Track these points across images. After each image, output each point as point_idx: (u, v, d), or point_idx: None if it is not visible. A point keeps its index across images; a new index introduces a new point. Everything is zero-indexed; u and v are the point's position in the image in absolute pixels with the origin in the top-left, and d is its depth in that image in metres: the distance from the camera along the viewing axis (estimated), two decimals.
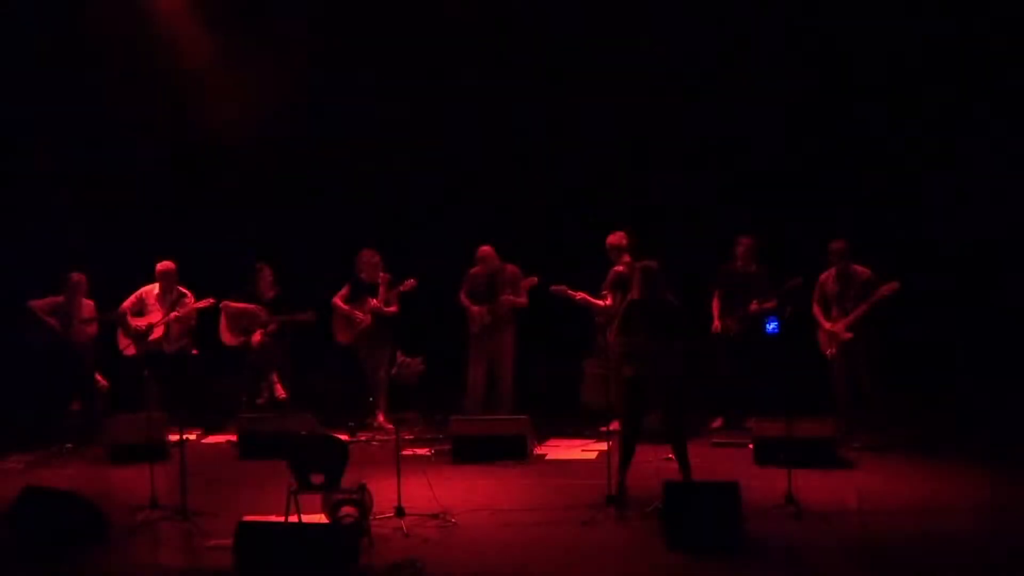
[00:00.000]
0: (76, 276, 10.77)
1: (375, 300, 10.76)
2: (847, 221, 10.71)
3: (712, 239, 10.72)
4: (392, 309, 10.71)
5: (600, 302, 10.09)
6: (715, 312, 10.24)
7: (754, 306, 10.00)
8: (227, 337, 11.04)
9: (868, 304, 9.39)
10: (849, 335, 9.50)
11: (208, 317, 10.90)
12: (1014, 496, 7.85)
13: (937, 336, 10.97)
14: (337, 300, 10.90)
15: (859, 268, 9.59)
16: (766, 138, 11.61)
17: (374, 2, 12.23)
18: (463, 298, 10.71)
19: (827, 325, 9.65)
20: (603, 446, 9.28)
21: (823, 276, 9.76)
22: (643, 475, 8.12)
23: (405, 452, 8.92)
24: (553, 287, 10.19)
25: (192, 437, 10.42)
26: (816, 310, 9.75)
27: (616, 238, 10.32)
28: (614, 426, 10.15)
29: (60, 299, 10.79)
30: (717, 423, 10.18)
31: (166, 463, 8.96)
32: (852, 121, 11.43)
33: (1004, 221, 11.08)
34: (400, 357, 8.39)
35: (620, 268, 9.95)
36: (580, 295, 10.16)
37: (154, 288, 10.82)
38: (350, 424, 10.67)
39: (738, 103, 11.57)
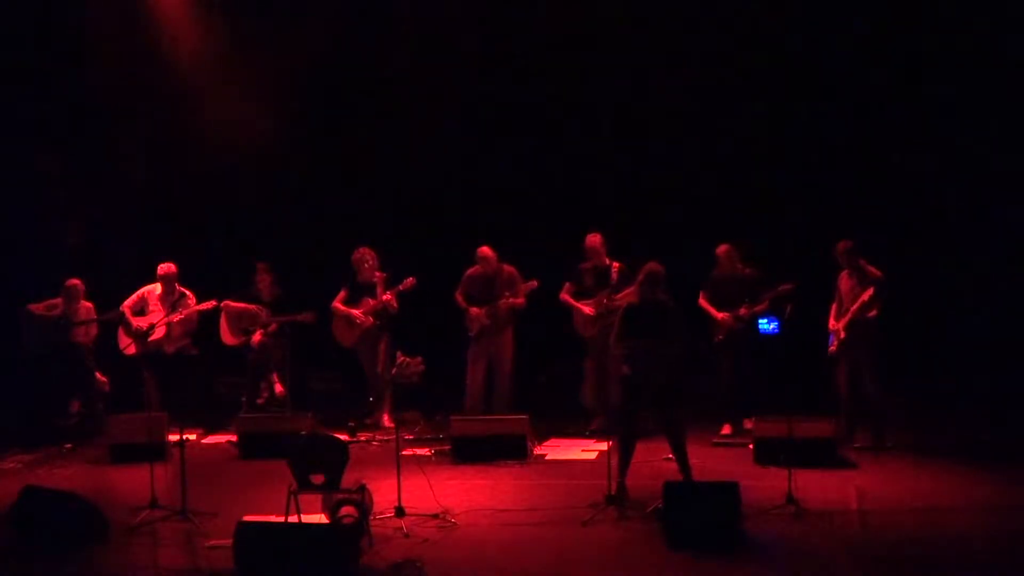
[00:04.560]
0: (73, 281, 10.76)
1: (373, 300, 10.76)
2: (849, 220, 10.72)
3: (709, 242, 10.70)
4: (393, 306, 10.70)
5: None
6: (711, 310, 10.15)
7: (744, 311, 9.93)
8: (227, 337, 11.04)
9: (856, 306, 9.35)
10: (843, 334, 9.46)
11: (209, 317, 10.90)
12: (1014, 496, 7.85)
13: (938, 336, 11.00)
14: (336, 304, 10.90)
15: (870, 268, 9.50)
16: (765, 140, 11.63)
17: (374, 3, 12.26)
18: (459, 299, 10.69)
19: (831, 324, 9.63)
20: (603, 446, 9.28)
21: (840, 275, 9.70)
22: (643, 475, 8.13)
23: (405, 452, 8.93)
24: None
25: (192, 437, 10.42)
26: (833, 308, 9.66)
27: (599, 238, 10.34)
28: (594, 425, 10.21)
29: (58, 301, 10.79)
30: (726, 430, 10.07)
31: (166, 463, 8.96)
32: (852, 120, 11.46)
33: (1004, 221, 11.11)
34: (400, 357, 8.38)
35: (618, 265, 10.02)
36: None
37: (156, 288, 10.82)
38: (350, 424, 10.67)
39: (734, 104, 11.62)
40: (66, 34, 12.10)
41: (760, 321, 9.53)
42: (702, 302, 10.16)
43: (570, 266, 10.53)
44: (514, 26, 11.88)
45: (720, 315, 10.03)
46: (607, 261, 10.27)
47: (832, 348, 9.56)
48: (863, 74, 11.36)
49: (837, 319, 9.56)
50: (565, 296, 10.50)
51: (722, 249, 10.11)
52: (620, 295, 9.82)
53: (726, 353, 10.06)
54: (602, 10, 11.71)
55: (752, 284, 10.00)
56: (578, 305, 10.39)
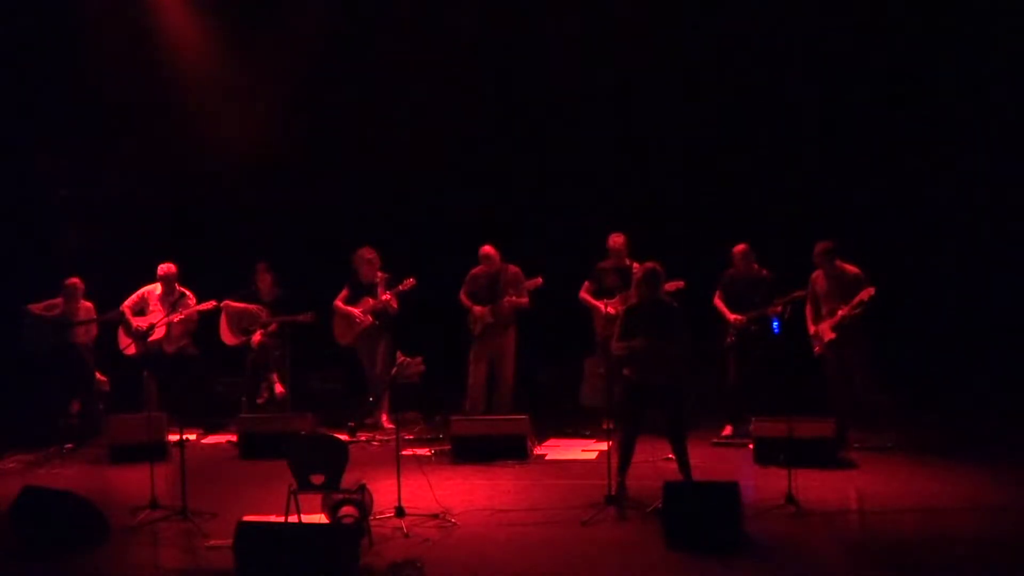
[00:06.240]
0: (72, 280, 10.76)
1: (373, 300, 10.76)
2: (842, 219, 10.73)
3: (713, 243, 10.67)
4: (393, 306, 10.70)
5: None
6: (724, 309, 10.06)
7: (770, 309, 9.76)
8: (227, 337, 11.05)
9: (848, 308, 9.31)
10: (833, 335, 9.43)
11: (209, 317, 10.91)
12: (1014, 496, 7.85)
13: (935, 336, 11.00)
14: (337, 302, 10.91)
15: (848, 267, 9.50)
16: (765, 141, 11.64)
17: (375, 5, 12.26)
18: (464, 298, 10.70)
19: (811, 328, 9.60)
20: (603, 446, 9.28)
21: (814, 275, 9.67)
22: (643, 475, 8.13)
23: (405, 452, 8.91)
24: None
25: (192, 437, 10.43)
26: (808, 310, 9.68)
27: (623, 239, 10.35)
28: (606, 424, 10.18)
29: (58, 301, 10.80)
30: (727, 431, 10.00)
31: (166, 463, 8.98)
32: (852, 121, 11.47)
33: (1001, 220, 11.12)
34: (400, 357, 8.38)
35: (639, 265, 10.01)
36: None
37: (156, 288, 10.84)
38: (350, 424, 10.67)
39: (735, 106, 11.63)
40: (66, 34, 12.09)
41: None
42: (717, 302, 10.12)
43: (576, 266, 10.54)
44: (516, 24, 11.87)
45: (732, 316, 9.97)
46: (628, 262, 10.28)
47: (817, 350, 9.53)
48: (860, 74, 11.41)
49: (815, 322, 9.54)
50: (584, 295, 10.51)
51: (739, 249, 10.02)
52: None
53: (735, 354, 10.00)
54: (606, 8, 11.72)
55: (768, 286, 9.88)
56: (597, 303, 10.39)
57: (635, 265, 10.10)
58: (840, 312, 9.32)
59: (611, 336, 9.74)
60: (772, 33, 11.40)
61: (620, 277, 10.32)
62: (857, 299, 9.24)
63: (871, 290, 9.20)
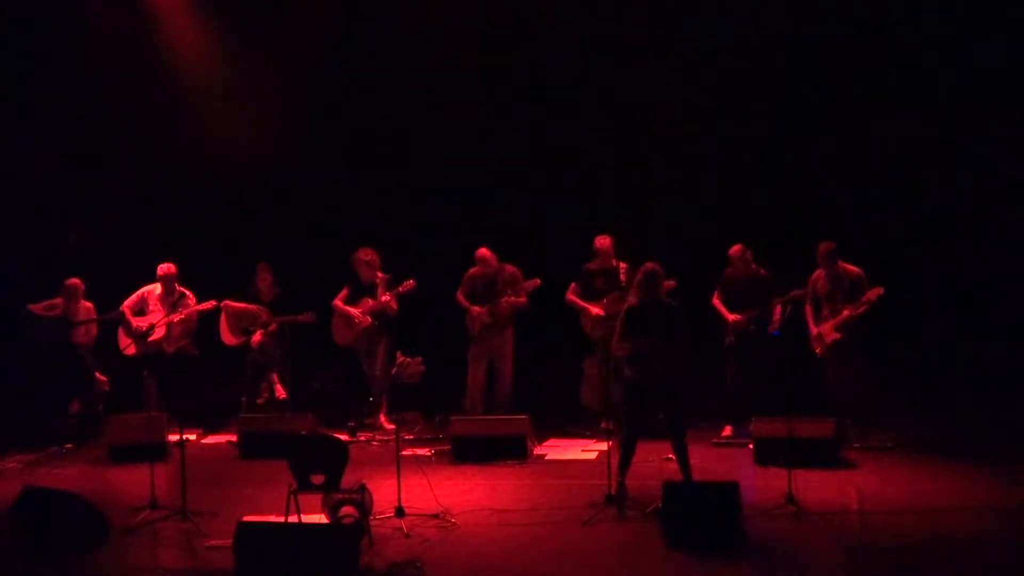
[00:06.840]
0: (72, 280, 10.76)
1: (373, 300, 10.77)
2: (842, 219, 10.72)
3: (709, 243, 10.66)
4: (392, 307, 10.70)
5: None
6: (723, 309, 10.01)
7: (776, 313, 9.72)
8: (227, 337, 11.05)
9: (854, 308, 9.31)
10: (837, 335, 9.42)
11: (208, 317, 10.92)
12: (1014, 496, 7.85)
13: (933, 335, 10.99)
14: (337, 301, 10.91)
15: (849, 267, 9.51)
16: (764, 141, 11.64)
17: (374, 6, 12.26)
18: (461, 298, 10.70)
19: (813, 329, 9.59)
20: (603, 446, 9.28)
21: (814, 276, 9.67)
22: (643, 475, 8.13)
23: (405, 452, 8.92)
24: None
25: (192, 437, 10.42)
26: (808, 310, 9.68)
27: (610, 240, 10.35)
28: (605, 424, 10.18)
29: (58, 301, 10.80)
30: (726, 431, 9.96)
31: (166, 463, 8.99)
32: (851, 122, 11.47)
33: (999, 219, 11.12)
34: (400, 357, 8.38)
35: (626, 265, 10.03)
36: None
37: (156, 288, 10.83)
38: (350, 424, 10.67)
39: (735, 105, 11.63)
40: (66, 34, 12.10)
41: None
42: (715, 302, 10.10)
43: (576, 266, 10.54)
44: (516, 23, 11.87)
45: (731, 316, 9.94)
46: (615, 263, 10.27)
47: (819, 351, 9.52)
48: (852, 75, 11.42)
49: (817, 322, 9.54)
50: (571, 296, 10.50)
51: (735, 249, 9.98)
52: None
53: (735, 355, 9.97)
54: (605, 7, 11.73)
55: (767, 286, 9.86)
56: (586, 305, 10.38)
57: (622, 266, 10.14)
58: (845, 312, 9.32)
59: (607, 336, 9.80)
60: (771, 32, 11.38)
61: (607, 278, 10.31)
62: (865, 298, 9.24)
63: (880, 290, 9.19)
